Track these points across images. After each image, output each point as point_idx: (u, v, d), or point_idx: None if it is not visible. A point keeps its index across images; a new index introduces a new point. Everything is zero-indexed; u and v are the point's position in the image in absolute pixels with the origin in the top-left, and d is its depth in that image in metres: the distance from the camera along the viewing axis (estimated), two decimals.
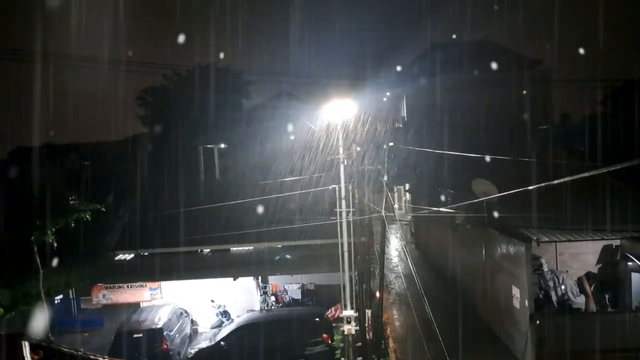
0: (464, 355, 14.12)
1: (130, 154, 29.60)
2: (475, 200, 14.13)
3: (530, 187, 8.04)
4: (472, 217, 17.46)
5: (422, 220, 27.18)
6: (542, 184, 7.65)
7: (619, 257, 15.60)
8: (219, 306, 19.75)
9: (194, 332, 19.49)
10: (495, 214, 15.56)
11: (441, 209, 17.41)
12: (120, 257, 20.12)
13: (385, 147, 20.22)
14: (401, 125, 34.57)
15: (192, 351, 17.02)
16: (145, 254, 19.97)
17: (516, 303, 14.55)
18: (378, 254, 18.77)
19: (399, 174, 31.75)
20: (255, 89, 34.93)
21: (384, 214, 15.05)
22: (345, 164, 15.02)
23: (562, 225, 14.21)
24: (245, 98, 34.75)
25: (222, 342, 16.40)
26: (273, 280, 20.82)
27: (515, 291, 14.56)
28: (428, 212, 20.84)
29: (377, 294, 16.71)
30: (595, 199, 14.79)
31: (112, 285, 20.06)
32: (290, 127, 26.66)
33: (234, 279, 18.96)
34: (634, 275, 14.57)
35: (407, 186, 33.30)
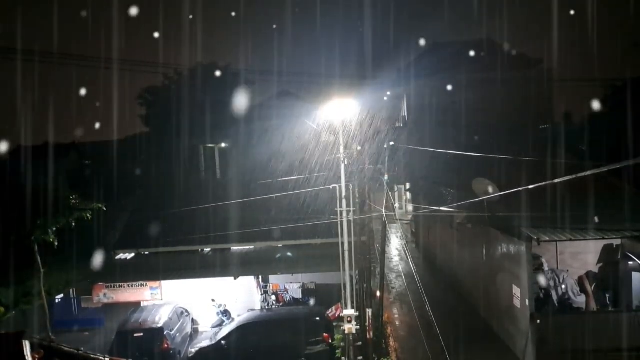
0: (465, 355, 14.12)
1: (131, 153, 29.59)
2: (476, 200, 14.13)
3: (531, 187, 8.03)
4: (473, 216, 17.47)
5: (423, 219, 27.20)
6: (543, 183, 7.65)
7: (619, 257, 15.59)
8: (220, 305, 19.75)
9: (195, 332, 19.49)
10: (496, 214, 15.56)
11: (442, 208, 17.41)
12: (121, 256, 20.13)
13: (385, 146, 20.24)
14: (402, 125, 34.59)
15: (193, 350, 17.03)
16: (146, 253, 19.99)
17: (517, 302, 14.55)
18: (379, 253, 18.78)
19: (399, 173, 31.83)
20: (256, 88, 34.93)
21: (384, 214, 15.04)
22: (346, 163, 15.03)
23: (563, 224, 14.21)
24: (246, 97, 34.73)
25: (222, 342, 16.41)
26: (274, 279, 20.83)
27: (516, 290, 14.56)
28: (429, 211, 20.85)
29: (378, 293, 16.71)
30: (596, 198, 14.78)
31: (112, 284, 20.09)
32: (291, 127, 26.66)
33: (235, 278, 18.97)
34: (635, 275, 14.56)
35: (408, 185, 33.34)
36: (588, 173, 6.00)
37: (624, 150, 20.72)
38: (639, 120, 21.99)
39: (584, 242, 14.76)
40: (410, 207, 34.87)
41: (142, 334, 16.29)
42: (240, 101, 34.24)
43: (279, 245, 19.83)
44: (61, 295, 20.63)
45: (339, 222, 15.09)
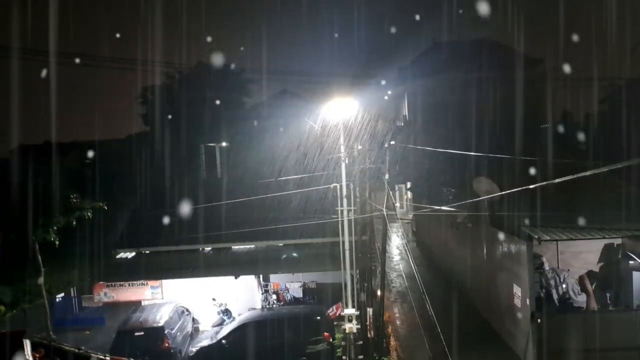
0: (465, 354, 14.13)
1: (132, 152, 29.57)
2: (477, 199, 14.13)
3: (531, 186, 8.03)
4: (474, 215, 17.47)
5: (424, 218, 27.20)
6: (543, 183, 7.65)
7: (620, 256, 15.58)
8: (221, 304, 19.76)
9: (195, 331, 19.50)
10: (497, 213, 15.56)
11: (442, 208, 17.41)
12: (122, 255, 20.13)
13: (386, 145, 20.24)
14: (402, 124, 34.61)
15: (194, 349, 17.03)
16: (147, 252, 19.99)
17: (517, 302, 14.55)
18: (379, 252, 18.78)
19: (400, 172, 31.84)
20: (256, 88, 34.93)
21: (385, 213, 15.04)
22: (347, 162, 15.02)
23: (563, 223, 14.21)
24: (246, 96, 34.74)
25: (223, 341, 16.41)
26: (274, 278, 20.83)
27: (517, 290, 14.56)
28: (429, 210, 20.85)
29: (379, 292, 16.71)
30: (597, 198, 14.78)
31: (113, 283, 20.10)
32: (291, 126, 26.65)
33: (236, 278, 18.97)
34: (636, 274, 14.54)
35: (409, 184, 33.35)
36: (588, 173, 6.00)
37: (625, 150, 20.71)
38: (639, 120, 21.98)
39: (585, 241, 14.73)
40: (410, 206, 34.87)
41: (142, 333, 16.29)
42: (241, 100, 34.26)
43: (280, 245, 19.83)
44: (62, 294, 20.64)
45: (340, 221, 15.09)
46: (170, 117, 30.32)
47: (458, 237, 21.48)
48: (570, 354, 13.35)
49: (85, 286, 20.49)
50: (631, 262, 14.75)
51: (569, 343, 13.39)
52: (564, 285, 14.94)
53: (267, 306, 20.32)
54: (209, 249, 20.23)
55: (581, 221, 13.89)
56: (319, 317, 16.95)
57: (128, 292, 20.32)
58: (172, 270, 18.82)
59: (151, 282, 20.13)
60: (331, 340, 16.21)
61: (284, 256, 18.90)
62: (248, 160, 27.56)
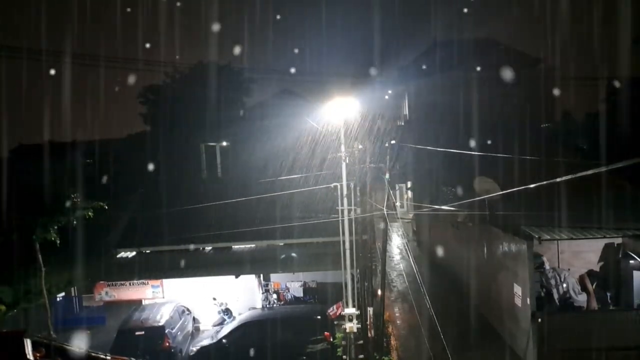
0: (466, 353, 14.15)
1: (132, 151, 29.54)
2: (477, 198, 14.12)
3: (532, 185, 8.02)
4: (474, 215, 17.47)
5: (424, 218, 27.19)
6: (544, 182, 7.65)
7: (620, 256, 15.59)
8: (221, 304, 19.78)
9: (196, 330, 19.52)
10: (497, 212, 15.55)
11: (443, 207, 17.41)
12: (122, 254, 20.15)
13: (387, 144, 20.22)
14: (403, 123, 34.59)
15: (194, 349, 17.04)
16: (147, 251, 20.00)
17: (518, 301, 14.55)
18: (380, 252, 18.78)
19: (401, 171, 31.83)
20: (256, 87, 34.89)
21: (385, 212, 15.04)
22: (347, 161, 15.02)
23: (564, 223, 14.21)
24: (246, 96, 34.71)
25: (224, 340, 16.43)
26: (275, 278, 20.84)
27: (517, 289, 14.56)
28: (430, 209, 20.85)
29: (379, 292, 16.71)
30: (597, 197, 14.77)
31: (114, 282, 20.11)
32: (292, 125, 26.65)
33: (236, 277, 18.98)
34: (636, 274, 14.54)
35: (409, 184, 33.33)
36: (589, 172, 5.99)
37: (626, 149, 20.69)
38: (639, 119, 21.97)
39: (585, 241, 14.75)
40: (411, 206, 34.85)
41: (143, 333, 16.32)
42: (241, 99, 34.24)
43: (280, 244, 19.83)
44: (62, 294, 20.65)
45: (340, 221, 15.09)
46: (170, 116, 30.30)
47: (459, 237, 21.48)
48: (571, 353, 13.36)
49: (86, 286, 20.48)
50: (631, 261, 14.76)
51: (569, 342, 13.40)
52: (564, 285, 14.94)
53: (268, 306, 20.33)
54: (210, 248, 20.24)
55: (582, 221, 13.89)
56: (319, 317, 16.97)
57: (129, 292, 20.33)
58: (172, 270, 18.82)
59: (152, 282, 20.14)
60: (331, 339, 16.22)
61: (282, 256, 18.91)
62: (248, 159, 27.54)
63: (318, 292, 20.79)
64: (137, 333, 16.35)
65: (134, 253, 20.14)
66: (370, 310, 16.17)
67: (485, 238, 17.59)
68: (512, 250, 15.08)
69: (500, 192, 13.22)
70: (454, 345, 13.41)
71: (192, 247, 19.71)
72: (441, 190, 21.79)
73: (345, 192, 14.80)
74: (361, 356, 15.33)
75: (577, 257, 16.67)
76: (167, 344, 16.32)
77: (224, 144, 31.53)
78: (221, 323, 19.16)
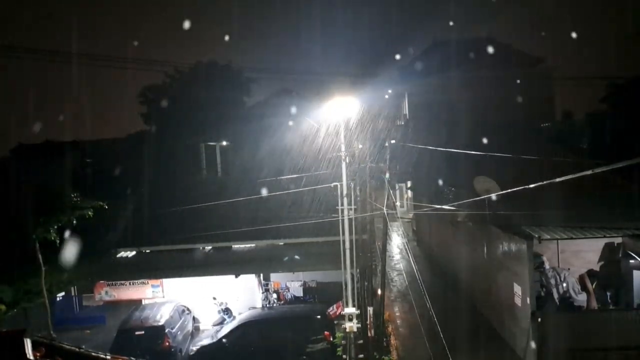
0: (466, 353, 14.14)
1: (132, 151, 29.56)
2: (477, 198, 14.12)
3: (532, 185, 8.02)
4: (474, 214, 17.46)
5: (424, 217, 27.19)
6: (544, 182, 7.65)
7: (620, 255, 15.59)
8: (221, 303, 19.77)
9: (196, 330, 19.52)
10: (497, 212, 15.55)
11: (443, 207, 17.41)
12: (122, 254, 20.15)
13: (387, 144, 20.22)
14: (403, 123, 34.57)
15: (194, 348, 17.05)
16: (147, 251, 20.00)
17: (518, 301, 14.55)
18: (380, 251, 18.78)
19: (400, 171, 31.82)
20: (256, 86, 34.90)
21: (385, 212, 15.04)
22: (347, 161, 15.01)
23: (564, 222, 14.21)
24: (246, 95, 34.71)
25: (224, 340, 16.42)
26: (275, 277, 20.84)
27: (517, 289, 14.56)
28: (430, 209, 20.84)
29: (379, 291, 16.72)
30: (597, 197, 14.78)
31: (114, 282, 20.10)
32: (292, 125, 26.66)
33: (236, 277, 18.98)
34: (636, 273, 14.55)
35: (409, 184, 33.31)
36: (589, 172, 5.99)
37: (626, 148, 20.69)
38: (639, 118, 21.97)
39: (585, 240, 14.75)
40: (411, 205, 34.85)
41: (143, 332, 16.32)
42: (241, 99, 34.23)
43: (280, 243, 19.84)
44: (62, 294, 20.65)
45: (340, 220, 15.09)
46: (170, 116, 30.31)
47: (458, 236, 21.48)
48: (571, 353, 13.35)
49: (86, 285, 20.48)
50: (631, 261, 14.76)
51: (569, 342, 13.39)
52: (564, 284, 14.95)
53: (268, 305, 20.33)
54: (210, 247, 20.24)
55: (582, 220, 13.89)
56: (319, 316, 16.97)
57: (129, 291, 20.34)
58: (172, 269, 18.82)
59: (152, 281, 20.15)
60: (331, 339, 16.22)
61: (286, 258, 18.90)
62: (248, 159, 27.55)
63: (318, 292, 20.80)
64: (137, 333, 16.36)
65: (134, 252, 20.15)
66: (370, 309, 16.17)
67: (485, 237, 17.59)
68: (512, 250, 15.08)
69: (500, 192, 13.22)
70: (454, 345, 13.38)
71: (192, 246, 19.72)
72: (441, 190, 21.77)
73: (345, 191, 14.79)
74: (361, 356, 15.32)
75: (577, 256, 16.68)
76: (167, 344, 16.31)
77: (224, 143, 31.55)
78: (221, 323, 19.16)
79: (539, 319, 13.65)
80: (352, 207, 15.44)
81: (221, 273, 18.99)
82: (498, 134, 23.02)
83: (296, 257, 18.86)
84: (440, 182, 21.93)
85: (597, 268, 16.20)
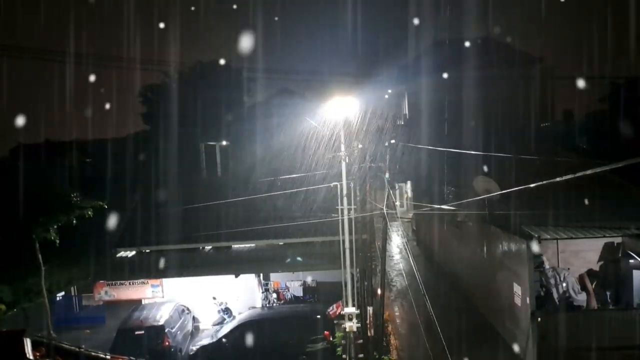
0: (466, 352, 14.11)
1: (132, 151, 29.56)
2: (477, 198, 14.11)
3: (532, 185, 8.01)
4: (474, 214, 17.46)
5: (424, 217, 27.19)
6: (544, 182, 7.64)
7: (620, 255, 15.58)
8: (221, 303, 19.77)
9: (196, 329, 19.52)
10: (497, 211, 15.55)
11: (443, 207, 17.41)
12: (122, 254, 20.15)
13: (387, 144, 20.22)
14: (403, 123, 34.57)
15: (194, 348, 17.05)
16: (147, 251, 20.00)
17: (517, 300, 14.55)
18: (379, 251, 18.77)
19: (400, 171, 31.81)
20: (256, 86, 34.93)
21: (385, 211, 15.03)
22: (347, 161, 15.01)
23: (564, 222, 14.20)
24: (246, 95, 34.72)
25: (223, 339, 16.43)
26: (275, 277, 20.84)
27: (517, 288, 14.56)
28: (429, 209, 20.84)
29: (379, 291, 16.72)
30: (597, 197, 14.77)
31: (114, 282, 20.09)
32: (292, 124, 26.63)
33: (236, 276, 18.98)
34: (636, 273, 14.55)
35: (409, 183, 33.32)
36: (589, 172, 5.99)
37: (626, 148, 20.69)
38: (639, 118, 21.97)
39: (585, 240, 14.74)
40: (411, 205, 34.85)
41: (143, 332, 16.32)
42: (241, 99, 34.24)
43: (280, 243, 19.83)
44: (62, 293, 20.63)
45: (340, 220, 15.09)
46: (170, 116, 30.32)
47: (458, 236, 21.47)
48: (570, 352, 13.34)
49: (86, 285, 20.47)
50: (631, 260, 14.75)
51: (569, 342, 13.39)
52: (564, 284, 14.94)
53: (268, 305, 20.33)
54: (209, 247, 20.24)
55: (582, 220, 13.88)
56: (319, 316, 16.98)
57: (128, 291, 20.34)
58: (172, 269, 18.82)
59: (152, 281, 20.15)
60: (331, 339, 16.23)
61: (288, 260, 18.89)
62: (248, 159, 27.56)
63: (318, 292, 20.79)
64: (136, 332, 16.36)
65: (133, 252, 20.14)
66: (370, 309, 16.17)
67: (485, 237, 17.59)
68: (511, 250, 15.08)
69: (500, 192, 13.22)
70: (454, 345, 13.39)
71: (192, 246, 19.72)
72: (441, 190, 21.77)
73: (345, 191, 14.79)
74: (361, 355, 15.33)
75: (576, 256, 16.67)
76: (167, 344, 16.32)
77: (224, 143, 31.56)
78: (221, 322, 19.16)
79: (539, 319, 13.65)
80: (352, 207, 15.43)
81: (221, 273, 19.01)
82: (498, 133, 23.04)
83: (297, 258, 18.87)
84: (440, 181, 21.94)
85: (597, 268, 16.19)
